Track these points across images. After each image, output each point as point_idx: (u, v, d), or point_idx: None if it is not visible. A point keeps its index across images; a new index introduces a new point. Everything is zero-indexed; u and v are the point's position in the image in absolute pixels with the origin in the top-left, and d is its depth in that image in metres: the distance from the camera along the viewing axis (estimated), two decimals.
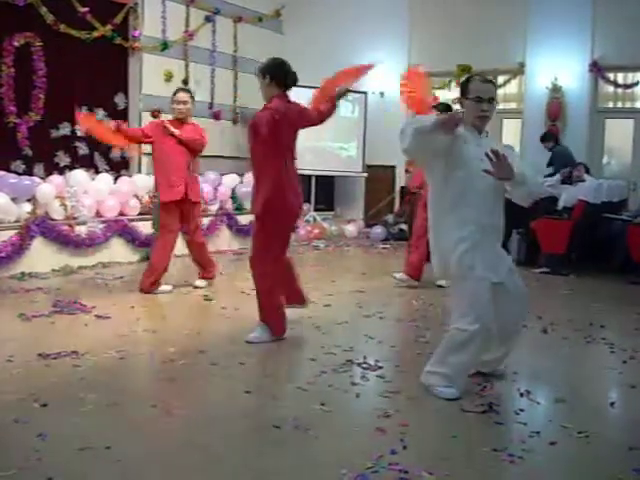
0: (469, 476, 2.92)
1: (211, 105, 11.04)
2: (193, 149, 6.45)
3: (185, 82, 10.71)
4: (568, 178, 8.81)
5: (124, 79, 10.03)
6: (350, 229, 11.43)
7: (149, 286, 6.38)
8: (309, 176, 11.35)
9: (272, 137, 4.55)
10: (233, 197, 9.95)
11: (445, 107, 7.01)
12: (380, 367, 4.33)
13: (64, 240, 7.45)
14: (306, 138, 11.04)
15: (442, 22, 11.30)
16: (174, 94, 6.71)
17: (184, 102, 6.57)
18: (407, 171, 10.76)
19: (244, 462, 2.98)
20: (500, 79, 11.27)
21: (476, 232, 3.73)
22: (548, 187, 8.79)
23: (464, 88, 3.88)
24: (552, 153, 9.67)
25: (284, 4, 12.32)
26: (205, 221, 9.10)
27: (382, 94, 11.86)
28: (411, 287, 6.95)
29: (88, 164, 9.19)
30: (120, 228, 8.06)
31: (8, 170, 7.94)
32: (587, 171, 9.18)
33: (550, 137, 9.78)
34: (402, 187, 11.41)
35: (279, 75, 4.74)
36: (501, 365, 4.24)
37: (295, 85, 4.80)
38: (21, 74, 8.43)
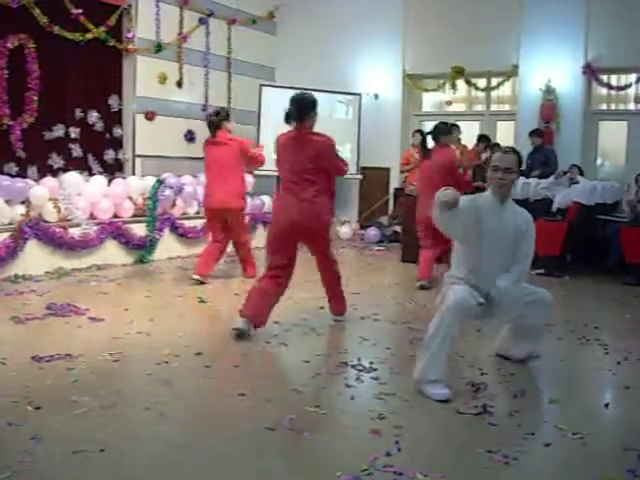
0: (464, 477, 2.92)
1: (205, 107, 11.02)
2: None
3: (179, 84, 10.72)
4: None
5: (118, 81, 10.02)
6: (344, 231, 11.43)
7: None
8: None
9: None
10: None
11: (421, 133, 7.71)
12: (374, 369, 4.33)
13: (58, 242, 7.43)
14: None
15: (436, 24, 11.32)
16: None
17: None
18: (402, 172, 10.78)
19: (238, 464, 2.97)
20: (494, 81, 11.33)
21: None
22: (542, 189, 8.81)
23: (489, 159, 4.28)
24: (544, 152, 9.70)
25: (278, 6, 12.32)
26: (200, 223, 9.09)
27: (376, 96, 11.87)
28: (407, 289, 6.96)
29: (82, 166, 9.17)
30: (114, 230, 8.04)
31: (1, 172, 7.94)
32: (581, 173, 9.21)
33: (540, 134, 9.81)
34: (396, 189, 11.42)
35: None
36: (532, 354, 4.56)
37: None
38: (14, 76, 8.40)
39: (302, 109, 5.21)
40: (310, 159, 5.17)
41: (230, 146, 7.05)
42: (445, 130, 7.46)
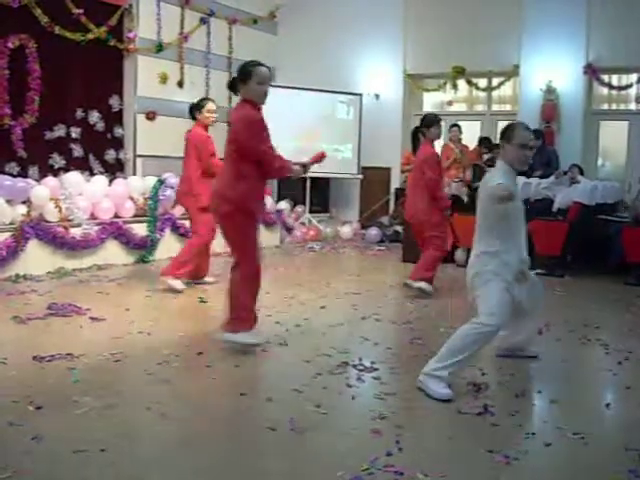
0: (465, 478, 2.92)
1: None
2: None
3: (180, 84, 10.72)
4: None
5: (119, 81, 10.03)
6: (345, 231, 11.43)
7: None
8: (304, 178, 11.36)
9: None
10: None
11: (413, 131, 7.15)
12: (376, 369, 4.33)
13: (59, 242, 7.43)
14: (301, 139, 11.17)
15: (437, 24, 11.32)
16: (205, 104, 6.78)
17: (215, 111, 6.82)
18: (403, 171, 10.78)
19: (239, 464, 2.98)
20: (495, 81, 11.33)
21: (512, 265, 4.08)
22: (543, 189, 8.79)
23: (508, 134, 4.17)
24: (547, 152, 9.69)
25: (279, 6, 12.33)
26: None
27: (377, 96, 11.88)
28: (407, 289, 6.96)
29: (83, 166, 9.18)
30: (115, 230, 8.04)
31: (3, 172, 7.94)
32: (581, 172, 9.20)
33: (540, 135, 9.81)
34: (397, 189, 11.43)
35: None
36: (533, 346, 4.73)
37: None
38: (15, 76, 8.41)
39: (236, 77, 4.68)
40: (230, 135, 4.66)
41: (190, 140, 6.71)
42: (427, 122, 6.90)
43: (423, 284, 6.69)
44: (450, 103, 12.05)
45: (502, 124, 11.47)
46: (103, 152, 9.73)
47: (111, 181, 8.70)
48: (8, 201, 7.24)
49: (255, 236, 4.73)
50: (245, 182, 4.57)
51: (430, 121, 6.89)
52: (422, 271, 6.78)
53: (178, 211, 8.98)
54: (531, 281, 4.36)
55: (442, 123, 7.17)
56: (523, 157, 4.13)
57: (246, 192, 4.59)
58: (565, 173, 8.91)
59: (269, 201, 10.49)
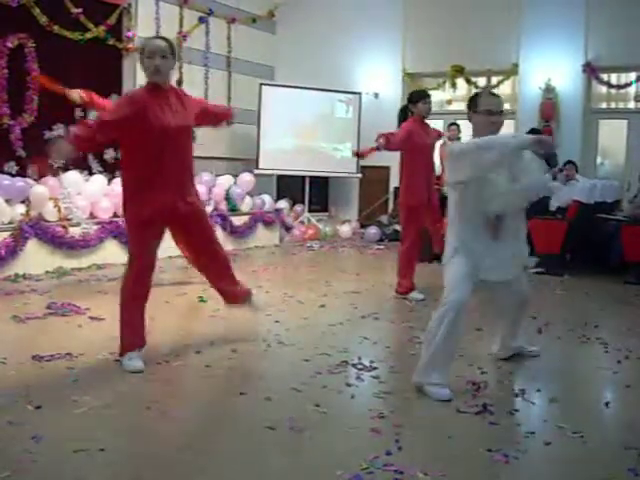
0: (464, 477, 2.92)
1: None
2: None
3: (179, 83, 10.71)
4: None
5: (118, 80, 10.01)
6: (344, 230, 11.43)
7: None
8: (303, 177, 11.38)
9: None
10: (227, 198, 9.94)
11: (401, 109, 6.86)
12: (375, 368, 4.33)
13: (58, 242, 7.43)
14: (299, 138, 11.17)
15: (436, 23, 11.33)
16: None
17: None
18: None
19: (239, 464, 2.97)
20: (494, 80, 11.33)
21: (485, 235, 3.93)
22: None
23: (473, 103, 4.08)
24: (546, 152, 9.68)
25: (277, 5, 12.33)
26: None
27: (376, 95, 11.89)
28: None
29: (82, 165, 9.15)
30: (114, 229, 8.04)
31: (2, 171, 7.94)
32: (575, 169, 9.20)
33: (539, 133, 9.79)
34: (396, 188, 11.41)
35: None
36: (532, 347, 4.68)
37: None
38: (14, 75, 8.40)
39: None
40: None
41: None
42: (414, 97, 6.55)
43: (412, 294, 6.59)
44: (449, 102, 12.05)
45: None
46: (102, 151, 9.71)
47: (110, 180, 8.69)
48: (7, 200, 7.24)
49: (138, 250, 4.26)
50: (125, 182, 4.09)
51: (417, 96, 6.48)
52: (405, 283, 6.66)
53: None
54: (516, 278, 4.24)
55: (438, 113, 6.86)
56: (490, 124, 3.97)
57: (123, 194, 4.18)
58: (561, 170, 8.93)
59: (268, 200, 10.49)
